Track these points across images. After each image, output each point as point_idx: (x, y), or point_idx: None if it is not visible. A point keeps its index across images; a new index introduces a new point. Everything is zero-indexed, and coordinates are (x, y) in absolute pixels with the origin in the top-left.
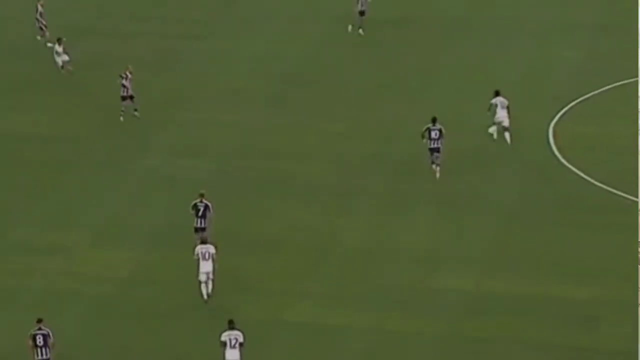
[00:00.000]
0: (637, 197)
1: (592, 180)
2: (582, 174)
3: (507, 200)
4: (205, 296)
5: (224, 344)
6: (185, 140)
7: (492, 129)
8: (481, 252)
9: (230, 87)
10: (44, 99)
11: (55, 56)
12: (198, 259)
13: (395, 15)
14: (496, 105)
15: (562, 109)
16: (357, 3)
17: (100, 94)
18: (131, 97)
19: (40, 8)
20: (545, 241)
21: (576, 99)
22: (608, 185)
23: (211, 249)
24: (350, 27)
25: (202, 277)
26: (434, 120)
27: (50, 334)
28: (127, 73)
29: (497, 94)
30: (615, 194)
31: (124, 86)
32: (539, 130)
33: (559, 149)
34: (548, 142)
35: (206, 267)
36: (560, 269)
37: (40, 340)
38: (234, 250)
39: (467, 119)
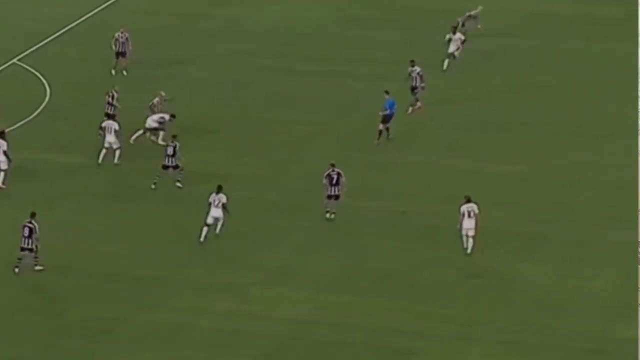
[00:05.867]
0: None
1: None
2: None
3: None
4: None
5: (209, 204)
6: (360, 183)
7: None
8: None
9: (407, 130)
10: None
11: None
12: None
13: (583, 60)
14: None
15: None
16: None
17: (278, 133)
18: None
19: None
20: None
21: None
22: None
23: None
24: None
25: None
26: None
27: (36, 228)
28: None
29: None
30: None
31: None
32: None
33: None
34: None
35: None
36: None
37: (26, 231)
38: (410, 295)
39: None
